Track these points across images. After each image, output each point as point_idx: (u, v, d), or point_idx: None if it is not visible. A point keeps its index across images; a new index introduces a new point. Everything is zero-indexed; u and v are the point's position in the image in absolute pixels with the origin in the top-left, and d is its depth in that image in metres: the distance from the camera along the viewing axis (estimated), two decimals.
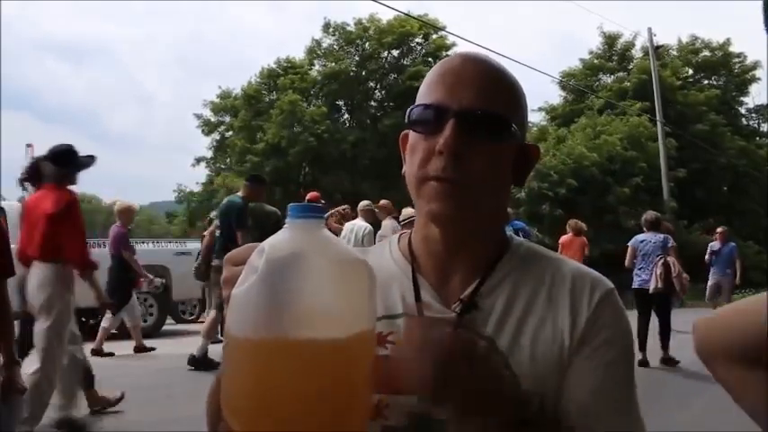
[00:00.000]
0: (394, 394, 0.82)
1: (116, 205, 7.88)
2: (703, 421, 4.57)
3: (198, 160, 28.66)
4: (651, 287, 7.20)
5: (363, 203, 8.04)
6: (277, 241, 0.65)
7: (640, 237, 7.63)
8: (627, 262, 7.59)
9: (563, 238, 9.70)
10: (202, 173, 29.11)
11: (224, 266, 0.74)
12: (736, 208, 22.54)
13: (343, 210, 8.86)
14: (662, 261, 7.22)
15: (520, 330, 0.84)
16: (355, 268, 0.68)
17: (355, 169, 25.15)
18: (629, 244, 7.73)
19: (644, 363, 6.86)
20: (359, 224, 7.69)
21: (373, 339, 0.70)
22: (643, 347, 7.04)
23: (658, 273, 7.16)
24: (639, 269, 7.42)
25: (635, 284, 7.43)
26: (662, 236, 7.50)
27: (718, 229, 11.24)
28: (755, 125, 27.06)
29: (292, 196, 24.47)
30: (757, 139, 25.84)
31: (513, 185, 0.92)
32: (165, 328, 10.20)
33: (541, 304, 0.86)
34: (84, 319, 10.43)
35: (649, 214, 7.81)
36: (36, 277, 4.10)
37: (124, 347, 8.22)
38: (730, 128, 23.71)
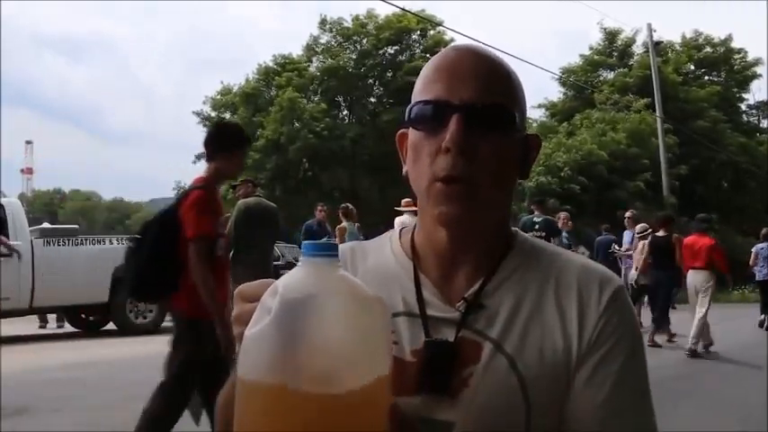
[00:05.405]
0: (396, 395, 0.79)
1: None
2: None
3: (198, 157, 28.61)
4: None
5: (405, 200, 8.62)
6: (291, 281, 0.63)
7: (760, 245, 10.95)
8: (751, 262, 11.04)
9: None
10: (202, 170, 29.02)
11: (235, 302, 0.71)
12: (737, 204, 22.56)
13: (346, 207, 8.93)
14: None
15: (527, 331, 0.81)
16: (371, 309, 0.66)
17: (355, 165, 25.13)
18: (752, 250, 11.14)
19: None
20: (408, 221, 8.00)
21: (390, 383, 0.68)
22: None
23: None
24: (762, 266, 10.79)
25: (759, 277, 10.93)
26: None
27: (560, 214, 10.75)
28: (756, 122, 27.11)
29: (292, 193, 24.50)
30: (757, 135, 25.89)
31: (519, 178, 0.89)
32: (165, 324, 10.20)
33: (549, 303, 0.82)
34: (84, 316, 10.47)
35: (766, 230, 10.98)
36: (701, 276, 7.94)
37: (114, 344, 8.20)
38: (731, 124, 23.73)
